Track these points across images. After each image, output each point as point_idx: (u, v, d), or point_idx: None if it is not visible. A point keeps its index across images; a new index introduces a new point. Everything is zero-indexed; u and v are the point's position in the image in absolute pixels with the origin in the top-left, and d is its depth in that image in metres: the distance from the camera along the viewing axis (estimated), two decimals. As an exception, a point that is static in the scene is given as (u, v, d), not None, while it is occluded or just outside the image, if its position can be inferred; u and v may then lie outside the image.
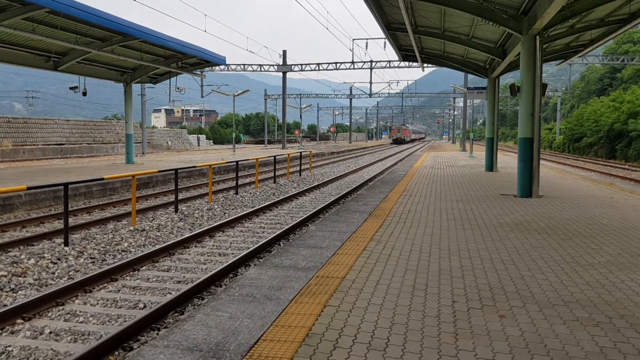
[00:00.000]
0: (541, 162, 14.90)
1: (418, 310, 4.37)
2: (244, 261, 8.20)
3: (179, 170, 14.15)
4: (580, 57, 21.83)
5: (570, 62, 37.08)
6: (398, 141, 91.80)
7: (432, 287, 5.01)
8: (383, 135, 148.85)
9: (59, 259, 8.36)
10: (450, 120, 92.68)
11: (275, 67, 48.46)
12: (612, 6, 12.61)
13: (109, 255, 8.83)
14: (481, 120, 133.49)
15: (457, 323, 4.07)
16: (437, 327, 3.98)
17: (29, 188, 9.08)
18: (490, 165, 20.59)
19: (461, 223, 8.61)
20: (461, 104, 57.26)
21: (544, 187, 13.90)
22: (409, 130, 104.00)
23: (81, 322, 5.77)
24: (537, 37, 11.92)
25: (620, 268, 5.75)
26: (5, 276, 7.33)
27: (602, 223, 8.62)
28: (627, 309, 4.40)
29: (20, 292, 6.80)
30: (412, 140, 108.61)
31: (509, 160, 29.38)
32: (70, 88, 23.15)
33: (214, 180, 20.21)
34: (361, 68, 47.40)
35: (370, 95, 63.24)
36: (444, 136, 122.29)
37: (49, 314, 6.00)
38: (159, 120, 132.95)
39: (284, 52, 48.58)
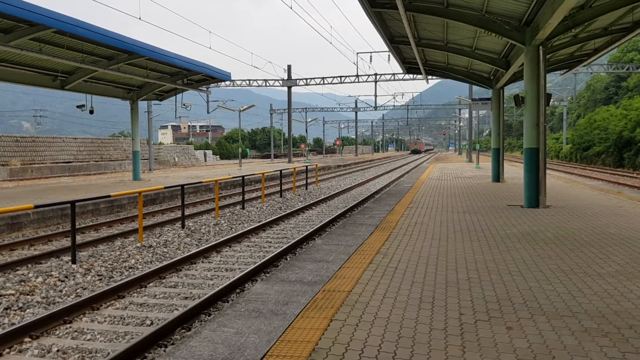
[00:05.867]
0: (548, 171, 14.85)
1: (425, 323, 4.35)
2: (250, 276, 8.20)
3: (185, 186, 14.20)
4: (584, 66, 21.85)
5: (575, 72, 37.11)
6: (415, 152, 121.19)
7: (439, 300, 4.98)
8: (389, 148, 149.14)
9: (66, 277, 8.39)
10: (456, 131, 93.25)
11: (281, 81, 48.74)
12: (615, 15, 12.62)
13: (116, 272, 8.84)
14: (487, 131, 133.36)
15: (465, 335, 4.05)
16: (444, 340, 3.96)
17: (36, 206, 9.13)
18: (497, 176, 20.54)
19: (468, 234, 8.58)
20: (467, 115, 57.25)
21: (551, 197, 13.84)
22: (423, 143, 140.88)
23: (89, 340, 5.77)
24: (540, 47, 11.93)
25: (629, 278, 5.70)
26: (13, 295, 7.36)
27: (610, 232, 8.56)
28: (636, 319, 4.36)
29: (28, 310, 6.82)
30: (425, 151, 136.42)
31: (516, 170, 29.29)
32: (78, 106, 23.34)
33: (220, 195, 20.27)
34: (366, 81, 47.65)
35: (376, 108, 63.37)
36: (450, 147, 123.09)
37: (57, 332, 6.01)
38: (165, 137, 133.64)
39: (289, 67, 48.85)
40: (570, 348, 3.77)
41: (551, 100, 12.92)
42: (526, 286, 5.42)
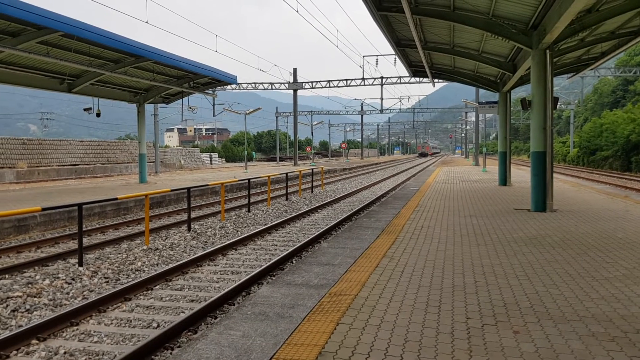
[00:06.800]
0: (555, 175, 14.80)
1: (431, 327, 4.34)
2: (256, 279, 8.20)
3: (191, 189, 14.22)
4: (591, 69, 21.74)
5: (582, 75, 36.98)
6: (423, 154, 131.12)
7: (445, 304, 4.97)
8: (395, 151, 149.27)
9: (73, 279, 8.42)
10: (463, 135, 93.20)
11: (286, 84, 48.79)
12: (622, 19, 12.59)
13: (123, 274, 8.87)
14: (494, 135, 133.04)
15: (471, 340, 4.04)
16: (450, 344, 3.95)
17: (43, 209, 9.18)
18: (504, 179, 20.49)
19: (475, 238, 8.56)
20: (473, 118, 57.13)
21: (558, 200, 13.79)
22: (430, 147, 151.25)
23: (95, 342, 5.79)
24: (547, 51, 11.91)
25: (636, 282, 5.67)
26: (20, 297, 7.39)
27: (617, 237, 8.52)
28: (644, 324, 4.34)
29: (35, 312, 6.85)
30: (432, 154, 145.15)
31: (522, 174, 29.20)
32: (85, 109, 23.42)
33: (226, 198, 20.29)
34: (372, 84, 47.67)
35: (382, 111, 63.42)
36: (456, 151, 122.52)
37: (64, 334, 6.03)
38: (171, 140, 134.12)
39: (295, 70, 48.95)
40: (577, 352, 3.76)
41: (558, 103, 12.89)
42: (533, 290, 5.41)
